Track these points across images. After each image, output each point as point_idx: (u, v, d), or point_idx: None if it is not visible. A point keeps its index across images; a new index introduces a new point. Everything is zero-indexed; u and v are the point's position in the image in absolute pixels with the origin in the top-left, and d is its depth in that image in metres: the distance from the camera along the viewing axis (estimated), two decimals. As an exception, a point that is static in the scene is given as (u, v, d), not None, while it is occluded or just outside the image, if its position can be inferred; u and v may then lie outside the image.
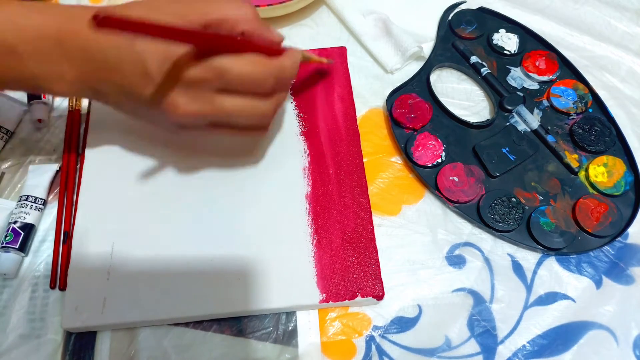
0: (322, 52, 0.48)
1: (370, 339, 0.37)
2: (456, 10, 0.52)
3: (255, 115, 0.34)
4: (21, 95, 0.47)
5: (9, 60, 0.31)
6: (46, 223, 0.42)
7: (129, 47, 0.31)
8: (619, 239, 0.40)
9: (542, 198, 0.41)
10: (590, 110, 0.45)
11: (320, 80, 0.47)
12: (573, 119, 0.45)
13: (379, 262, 0.38)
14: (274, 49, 0.33)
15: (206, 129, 0.35)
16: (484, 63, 0.48)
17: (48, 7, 0.32)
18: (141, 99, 0.32)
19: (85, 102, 0.47)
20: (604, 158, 0.42)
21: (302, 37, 0.52)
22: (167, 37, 0.28)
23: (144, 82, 0.31)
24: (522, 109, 0.45)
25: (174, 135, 0.37)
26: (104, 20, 0.24)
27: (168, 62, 0.30)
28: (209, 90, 0.32)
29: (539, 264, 0.40)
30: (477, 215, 0.41)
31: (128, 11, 0.31)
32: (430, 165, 0.43)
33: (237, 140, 0.43)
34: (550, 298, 0.38)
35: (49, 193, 0.43)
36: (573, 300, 0.38)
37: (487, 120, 0.45)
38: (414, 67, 0.49)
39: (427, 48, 0.50)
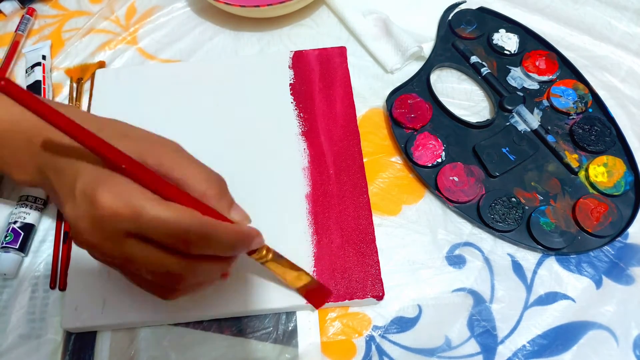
0: (322, 52, 0.48)
1: (370, 339, 0.37)
2: (456, 10, 0.52)
3: (162, 272, 0.28)
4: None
5: None
6: (46, 223, 0.42)
7: (73, 164, 0.28)
8: (619, 239, 0.40)
9: (542, 198, 0.41)
10: (590, 110, 0.45)
11: (320, 80, 0.47)
12: (573, 119, 0.45)
13: (379, 262, 0.38)
14: (220, 218, 0.29)
15: (112, 265, 0.30)
16: (484, 63, 0.48)
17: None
18: (62, 210, 0.29)
19: (85, 103, 0.47)
20: (604, 158, 0.42)
21: (302, 37, 0.52)
22: (79, 138, 0.25)
23: (69, 196, 0.28)
24: (522, 109, 0.45)
25: None
26: (4, 86, 0.22)
27: (90, 185, 0.27)
28: (118, 227, 0.26)
29: (539, 264, 0.40)
30: (477, 215, 0.41)
31: (97, 123, 0.29)
32: (430, 165, 0.43)
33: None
34: (550, 298, 0.38)
35: (49, 193, 0.43)
36: (573, 300, 0.38)
37: (487, 120, 0.45)
38: (414, 67, 0.49)
39: (427, 48, 0.50)
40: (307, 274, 0.35)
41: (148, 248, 0.27)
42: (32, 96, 0.23)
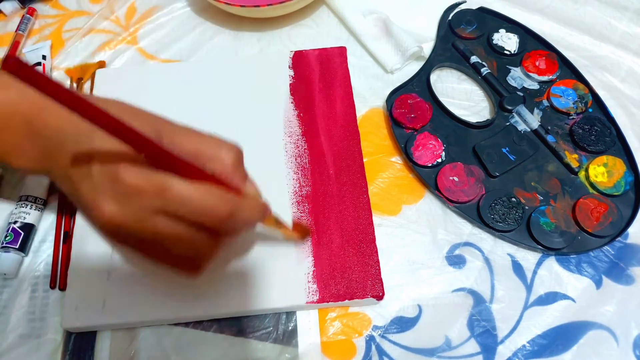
0: (322, 52, 0.48)
1: (370, 339, 0.37)
2: (456, 10, 0.52)
3: (191, 248, 0.29)
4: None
5: None
6: (46, 223, 0.42)
7: (85, 143, 0.28)
8: (619, 239, 0.40)
9: (542, 198, 0.41)
10: (590, 110, 0.45)
11: (320, 80, 0.47)
12: (573, 119, 0.45)
13: (379, 262, 0.38)
14: (235, 192, 0.29)
15: (134, 247, 0.30)
16: (484, 63, 0.48)
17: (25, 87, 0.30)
18: (77, 193, 0.29)
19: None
20: (604, 158, 0.42)
21: (302, 37, 0.52)
22: (96, 120, 0.24)
23: (84, 176, 0.28)
24: (522, 109, 0.45)
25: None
26: (13, 64, 0.21)
27: (113, 162, 0.26)
28: (144, 204, 0.26)
29: (539, 264, 0.40)
30: (477, 215, 0.41)
31: (104, 105, 0.28)
32: (430, 165, 0.43)
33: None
34: (550, 298, 0.38)
35: (49, 193, 0.43)
36: (573, 300, 0.38)
37: (487, 120, 0.45)
38: (414, 67, 0.49)
39: (427, 48, 0.50)
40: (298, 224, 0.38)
41: (178, 224, 0.27)
42: (44, 76, 0.22)
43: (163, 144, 0.26)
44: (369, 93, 0.48)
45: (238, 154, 0.30)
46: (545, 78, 0.47)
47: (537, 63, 0.47)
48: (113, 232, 0.28)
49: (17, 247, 0.39)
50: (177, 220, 0.27)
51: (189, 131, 0.30)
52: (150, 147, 0.25)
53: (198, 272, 0.31)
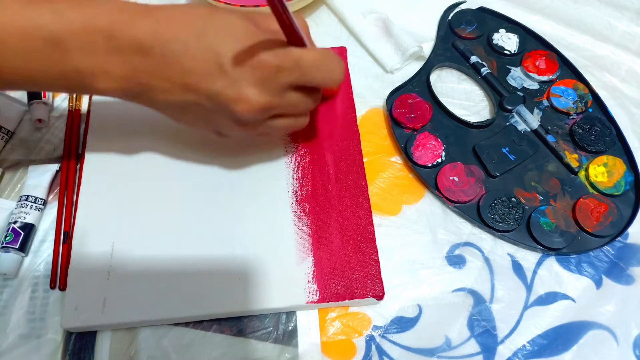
0: (322, 52, 0.48)
1: (370, 339, 0.37)
2: (456, 10, 0.52)
3: (310, 106, 0.36)
4: (21, 95, 0.47)
5: (53, 54, 0.30)
6: (46, 223, 0.42)
7: (199, 40, 0.30)
8: (619, 239, 0.40)
9: (542, 198, 0.41)
10: (590, 110, 0.45)
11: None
12: (573, 118, 0.45)
13: (379, 262, 0.38)
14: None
15: (264, 122, 0.34)
16: (484, 63, 0.48)
17: (98, 0, 0.30)
18: (207, 94, 0.31)
19: (85, 102, 0.47)
20: (604, 158, 0.42)
21: (302, 37, 0.52)
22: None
23: (215, 76, 0.30)
24: (522, 109, 0.45)
25: (216, 137, 0.37)
26: None
27: (245, 53, 0.30)
28: (280, 81, 0.31)
29: (539, 264, 0.40)
30: (477, 215, 0.41)
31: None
32: (430, 165, 0.43)
33: (239, 140, 0.43)
34: (550, 298, 0.38)
35: (49, 193, 0.43)
36: (573, 300, 0.38)
37: (487, 120, 0.45)
38: (414, 67, 0.49)
39: (427, 48, 0.50)
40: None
41: (302, 93, 0.34)
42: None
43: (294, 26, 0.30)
44: (369, 93, 0.48)
45: (304, 21, 0.36)
46: (545, 78, 0.47)
47: (537, 63, 0.47)
48: (256, 116, 0.32)
49: (17, 247, 0.39)
50: (299, 90, 0.33)
51: (261, 14, 0.33)
52: (290, 29, 0.30)
53: (306, 122, 0.38)
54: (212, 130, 0.36)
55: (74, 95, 0.48)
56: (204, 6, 0.32)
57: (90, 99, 0.47)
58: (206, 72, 0.30)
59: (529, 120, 0.44)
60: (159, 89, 0.32)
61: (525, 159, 0.43)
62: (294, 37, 0.31)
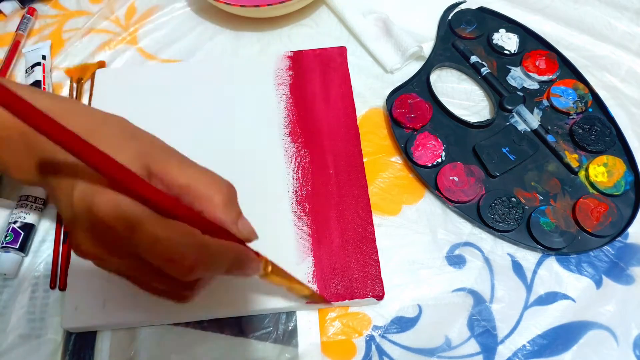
0: (322, 52, 0.48)
1: (370, 339, 0.37)
2: (456, 10, 0.52)
3: (168, 286, 0.27)
4: (21, 95, 0.47)
5: None
6: (46, 223, 0.42)
7: (68, 164, 0.26)
8: (619, 238, 0.40)
9: (542, 198, 0.41)
10: (590, 110, 0.45)
11: (320, 80, 0.47)
12: (573, 118, 0.45)
13: (379, 262, 0.38)
14: (221, 233, 0.27)
15: (116, 274, 0.28)
16: (484, 63, 0.48)
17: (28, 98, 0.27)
18: (61, 216, 0.27)
19: (85, 102, 0.47)
20: (604, 158, 0.42)
21: (302, 37, 0.52)
22: (70, 148, 0.21)
23: (68, 206, 0.25)
24: (522, 109, 0.45)
25: None
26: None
27: (89, 187, 0.24)
28: (116, 242, 0.25)
29: (539, 263, 0.40)
30: (477, 215, 0.41)
31: (102, 122, 0.26)
32: (430, 165, 0.43)
33: (239, 141, 0.43)
34: (550, 298, 0.38)
35: (49, 193, 0.43)
36: (573, 300, 0.38)
37: (487, 120, 0.45)
38: (414, 67, 0.49)
39: (427, 48, 0.50)
40: (305, 286, 0.34)
41: (148, 266, 0.25)
42: (18, 100, 0.20)
43: (149, 169, 0.25)
44: (369, 93, 0.48)
45: (230, 194, 0.28)
46: (545, 78, 0.47)
47: (537, 63, 0.47)
48: (93, 262, 0.27)
49: (17, 247, 0.39)
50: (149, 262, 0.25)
51: (182, 163, 0.28)
52: (126, 180, 0.23)
53: (185, 300, 0.29)
54: None
55: (74, 95, 0.48)
56: (120, 131, 0.28)
57: (90, 99, 0.47)
58: (65, 199, 0.25)
59: (529, 120, 0.44)
60: (49, 193, 0.29)
61: (525, 159, 0.43)
62: (139, 194, 0.24)
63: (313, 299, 0.36)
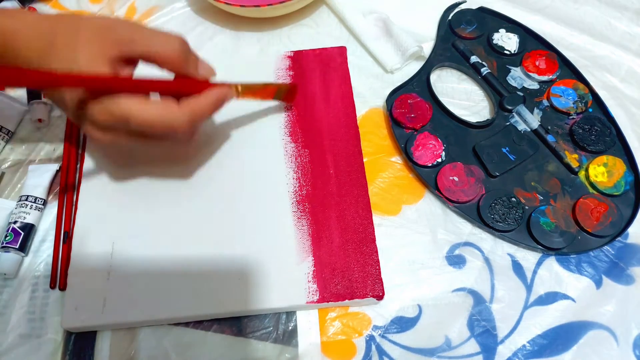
0: (322, 52, 0.48)
1: (370, 339, 0.37)
2: (456, 10, 0.52)
3: (173, 138, 0.34)
4: (21, 95, 0.47)
5: None
6: (46, 223, 0.42)
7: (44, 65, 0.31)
8: (619, 238, 0.40)
9: (542, 198, 0.41)
10: (590, 110, 0.45)
11: (320, 80, 0.47)
12: (573, 118, 0.45)
13: (379, 262, 0.38)
14: (193, 88, 0.34)
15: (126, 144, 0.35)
16: (484, 63, 0.48)
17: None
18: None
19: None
20: (604, 158, 0.42)
21: (302, 37, 0.52)
22: (59, 84, 0.29)
23: (64, 107, 0.32)
24: (522, 109, 0.45)
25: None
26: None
27: (74, 105, 0.31)
28: (120, 130, 0.32)
29: (539, 263, 0.40)
30: (477, 215, 0.41)
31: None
32: (430, 165, 0.43)
33: (240, 141, 0.43)
34: (550, 298, 0.38)
35: (49, 193, 0.43)
36: (573, 300, 0.38)
37: (487, 120, 0.45)
38: (414, 67, 0.49)
39: (427, 48, 0.50)
40: (274, 83, 0.38)
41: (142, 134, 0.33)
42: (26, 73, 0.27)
43: (111, 78, 0.30)
44: (369, 93, 0.48)
45: (183, 47, 0.33)
46: (545, 78, 0.47)
47: (537, 63, 0.47)
48: (106, 145, 0.35)
49: (17, 247, 0.39)
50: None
51: (138, 36, 0.32)
52: (103, 84, 0.30)
53: (186, 141, 0.38)
54: None
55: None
56: (74, 30, 0.31)
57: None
58: (58, 101, 0.32)
59: (529, 120, 0.44)
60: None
61: (525, 159, 0.43)
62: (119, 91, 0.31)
63: (289, 90, 0.42)
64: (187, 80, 0.34)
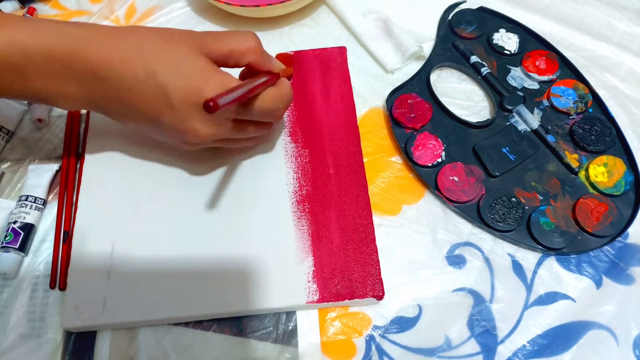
0: (322, 52, 0.48)
1: (370, 339, 0.37)
2: (456, 10, 0.52)
3: (260, 132, 0.39)
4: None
5: (14, 78, 0.32)
6: (46, 223, 0.42)
7: (149, 79, 0.32)
8: (619, 238, 0.40)
9: (542, 198, 0.41)
10: (590, 110, 0.45)
11: (320, 80, 0.47)
12: (573, 118, 0.45)
13: (379, 262, 0.38)
14: (274, 78, 0.37)
15: (212, 144, 0.37)
16: (484, 63, 0.48)
17: (56, 28, 0.32)
18: (157, 123, 0.34)
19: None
20: (604, 158, 0.42)
21: (302, 37, 0.52)
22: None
23: (164, 110, 0.33)
24: (522, 109, 0.45)
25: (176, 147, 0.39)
26: (214, 107, 0.28)
27: (192, 91, 0.32)
28: (225, 115, 0.34)
29: (539, 263, 0.40)
30: (477, 215, 0.41)
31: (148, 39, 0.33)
32: (430, 165, 0.43)
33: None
34: (550, 298, 0.38)
35: (49, 193, 0.43)
36: (573, 300, 0.38)
37: (487, 120, 0.45)
38: (414, 67, 0.49)
39: (427, 48, 0.50)
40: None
41: (248, 124, 0.37)
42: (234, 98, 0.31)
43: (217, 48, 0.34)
44: (369, 93, 0.48)
45: (258, 38, 0.36)
46: (545, 78, 0.47)
47: (537, 63, 0.47)
48: (205, 142, 0.36)
49: (17, 247, 0.39)
50: (245, 122, 0.36)
51: (217, 37, 0.35)
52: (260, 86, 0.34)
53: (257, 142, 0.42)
54: (176, 145, 0.38)
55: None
56: (158, 36, 0.34)
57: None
58: (156, 106, 0.33)
59: (529, 120, 0.44)
60: (115, 110, 0.35)
61: (525, 158, 0.43)
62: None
63: (287, 59, 0.46)
64: (271, 73, 0.37)
